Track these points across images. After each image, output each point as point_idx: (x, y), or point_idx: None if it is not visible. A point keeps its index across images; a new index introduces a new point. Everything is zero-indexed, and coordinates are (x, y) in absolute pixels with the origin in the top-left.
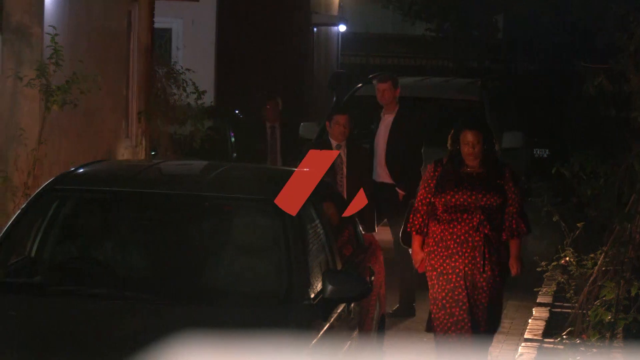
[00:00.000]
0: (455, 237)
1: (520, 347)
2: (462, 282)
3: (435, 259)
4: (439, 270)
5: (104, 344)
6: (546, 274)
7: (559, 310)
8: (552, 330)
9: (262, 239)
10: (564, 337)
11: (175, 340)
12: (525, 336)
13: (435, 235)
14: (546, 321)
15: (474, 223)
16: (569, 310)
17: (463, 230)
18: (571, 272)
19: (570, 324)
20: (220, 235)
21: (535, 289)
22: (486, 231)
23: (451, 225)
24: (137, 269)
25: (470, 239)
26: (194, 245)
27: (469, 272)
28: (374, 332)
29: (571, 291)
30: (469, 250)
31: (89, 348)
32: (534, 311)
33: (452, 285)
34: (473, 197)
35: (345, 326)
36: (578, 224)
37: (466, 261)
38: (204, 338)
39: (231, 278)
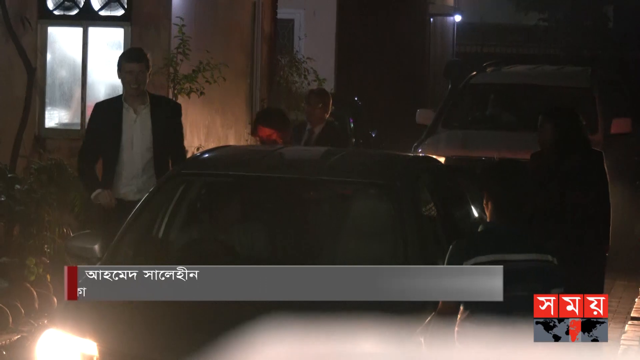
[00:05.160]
0: None
1: (627, 325)
2: None
3: None
4: None
5: (225, 324)
6: None
7: None
8: None
9: (380, 222)
10: None
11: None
12: (632, 315)
13: None
14: None
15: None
16: None
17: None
18: None
19: None
20: (339, 219)
21: None
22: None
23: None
24: (260, 251)
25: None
26: (313, 229)
27: None
28: None
29: None
30: None
31: (209, 326)
32: None
33: None
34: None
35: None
36: None
37: None
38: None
39: (349, 261)
